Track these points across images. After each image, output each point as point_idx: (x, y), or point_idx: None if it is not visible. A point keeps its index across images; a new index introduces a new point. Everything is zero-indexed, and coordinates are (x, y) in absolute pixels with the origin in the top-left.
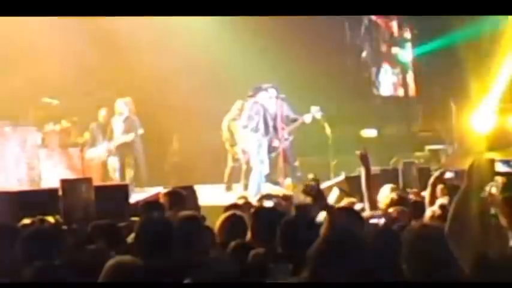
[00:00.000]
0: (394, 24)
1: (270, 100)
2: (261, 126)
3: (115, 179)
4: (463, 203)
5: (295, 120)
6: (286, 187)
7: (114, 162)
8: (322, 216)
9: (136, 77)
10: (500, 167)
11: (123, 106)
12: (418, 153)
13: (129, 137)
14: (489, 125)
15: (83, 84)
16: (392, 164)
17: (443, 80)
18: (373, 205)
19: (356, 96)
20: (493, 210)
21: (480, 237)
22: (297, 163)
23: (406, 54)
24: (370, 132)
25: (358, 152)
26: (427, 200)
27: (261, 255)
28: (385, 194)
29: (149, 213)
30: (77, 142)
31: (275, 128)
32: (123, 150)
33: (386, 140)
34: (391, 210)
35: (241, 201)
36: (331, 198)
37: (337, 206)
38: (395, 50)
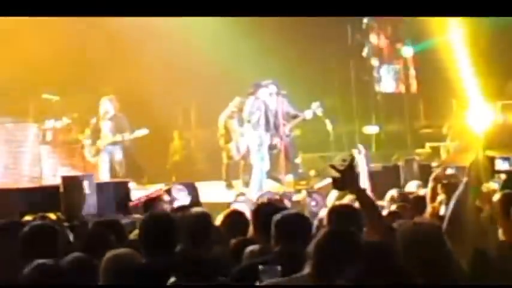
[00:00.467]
0: (396, 21)
1: (270, 97)
2: (262, 122)
3: (104, 177)
4: (463, 201)
5: (295, 116)
6: (287, 184)
7: (103, 161)
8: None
9: (137, 74)
10: (501, 164)
11: (108, 104)
12: (419, 150)
13: (119, 138)
14: (490, 122)
15: (83, 81)
16: (393, 161)
17: (444, 76)
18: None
19: (357, 93)
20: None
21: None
22: (298, 160)
23: (407, 50)
24: (371, 129)
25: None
26: (428, 197)
27: (256, 252)
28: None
29: (152, 210)
30: (78, 139)
31: (276, 125)
32: (112, 148)
33: (387, 136)
34: (393, 207)
35: (242, 198)
36: (333, 194)
37: (338, 203)
38: (396, 46)
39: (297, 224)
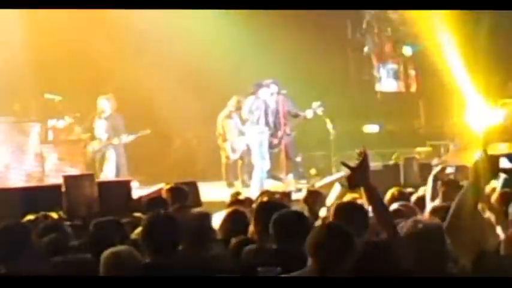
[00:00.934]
0: (396, 19)
1: (271, 96)
2: (262, 121)
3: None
4: (465, 200)
5: (296, 115)
6: (288, 183)
7: (99, 160)
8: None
9: (139, 73)
10: (506, 163)
11: (105, 103)
12: (419, 149)
13: (115, 141)
14: (490, 120)
15: (85, 81)
16: (393, 160)
17: (444, 75)
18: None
19: (358, 92)
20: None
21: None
22: (299, 159)
23: (407, 49)
24: (371, 128)
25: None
26: (428, 196)
27: (253, 252)
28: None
29: (154, 210)
30: (80, 138)
31: (276, 124)
32: (106, 149)
33: (387, 135)
34: (395, 205)
35: (241, 198)
36: (333, 193)
37: (340, 201)
38: (396, 45)
39: (294, 223)
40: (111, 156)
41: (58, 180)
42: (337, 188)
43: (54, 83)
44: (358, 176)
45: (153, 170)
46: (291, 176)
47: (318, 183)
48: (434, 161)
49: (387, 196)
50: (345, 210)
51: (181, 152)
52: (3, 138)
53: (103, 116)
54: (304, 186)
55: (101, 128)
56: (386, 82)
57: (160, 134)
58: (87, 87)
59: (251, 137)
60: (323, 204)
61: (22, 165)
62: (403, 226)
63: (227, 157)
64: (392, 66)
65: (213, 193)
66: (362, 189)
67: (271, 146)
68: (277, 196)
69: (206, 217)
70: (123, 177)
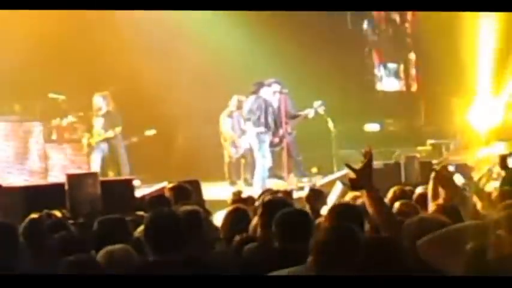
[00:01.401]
0: (397, 19)
1: (273, 95)
2: (263, 120)
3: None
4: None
5: (298, 115)
6: (290, 181)
7: (95, 158)
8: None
9: (142, 72)
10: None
11: (101, 101)
12: (420, 148)
13: (109, 134)
14: (491, 118)
15: (88, 80)
16: (394, 158)
17: (445, 74)
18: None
19: (359, 91)
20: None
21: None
22: (300, 157)
23: (408, 49)
24: (372, 127)
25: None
26: (429, 195)
27: (254, 249)
28: None
29: (157, 208)
30: (83, 137)
31: (277, 123)
32: (104, 146)
33: (388, 134)
34: (397, 204)
35: (243, 196)
36: (335, 191)
37: (340, 200)
38: (398, 44)
39: (297, 222)
40: (111, 154)
41: (61, 178)
42: (338, 187)
43: (57, 82)
44: (361, 179)
45: (156, 169)
46: (292, 174)
47: (320, 182)
48: (436, 160)
49: (389, 195)
50: (340, 210)
51: (184, 151)
52: (7, 137)
53: (100, 114)
54: (305, 184)
55: (98, 125)
56: (388, 81)
57: (163, 133)
58: (91, 87)
59: (252, 136)
60: (325, 202)
61: (26, 164)
62: (408, 223)
63: (230, 156)
64: (393, 65)
65: (216, 192)
66: (364, 191)
67: (272, 145)
68: (279, 195)
69: (194, 215)
70: (125, 175)
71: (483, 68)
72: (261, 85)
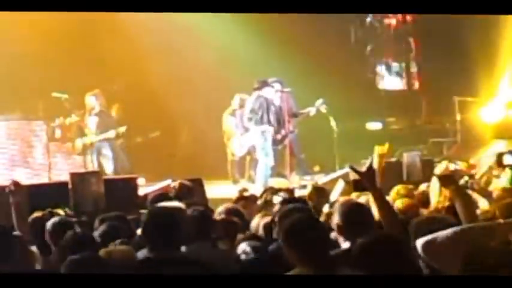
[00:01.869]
0: (399, 17)
1: (275, 94)
2: (265, 119)
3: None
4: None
5: (297, 115)
6: (292, 179)
7: (91, 158)
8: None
9: (145, 71)
10: (509, 159)
11: (93, 101)
12: (421, 146)
13: (110, 134)
14: (493, 117)
15: (92, 78)
16: (396, 156)
17: (446, 73)
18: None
19: (361, 90)
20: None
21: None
22: (302, 155)
23: (409, 47)
24: (374, 125)
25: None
26: (432, 193)
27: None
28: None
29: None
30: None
31: (280, 121)
32: (100, 145)
33: (390, 132)
34: (399, 202)
35: (246, 194)
36: (337, 189)
37: (342, 198)
38: (399, 43)
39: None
40: (108, 154)
41: (65, 177)
42: (340, 185)
43: (61, 81)
44: (366, 181)
45: (160, 167)
46: (295, 172)
47: (322, 180)
48: (437, 158)
49: (392, 193)
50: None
51: (188, 149)
52: (11, 136)
53: (93, 113)
54: (308, 182)
55: (91, 125)
56: (389, 80)
57: (166, 132)
58: (94, 86)
59: (255, 135)
60: (327, 200)
61: (29, 163)
62: (415, 222)
63: (232, 154)
64: (395, 64)
65: (219, 190)
66: (370, 193)
67: (275, 143)
68: (281, 193)
69: (173, 214)
70: (123, 174)
71: (484, 66)
72: (264, 83)
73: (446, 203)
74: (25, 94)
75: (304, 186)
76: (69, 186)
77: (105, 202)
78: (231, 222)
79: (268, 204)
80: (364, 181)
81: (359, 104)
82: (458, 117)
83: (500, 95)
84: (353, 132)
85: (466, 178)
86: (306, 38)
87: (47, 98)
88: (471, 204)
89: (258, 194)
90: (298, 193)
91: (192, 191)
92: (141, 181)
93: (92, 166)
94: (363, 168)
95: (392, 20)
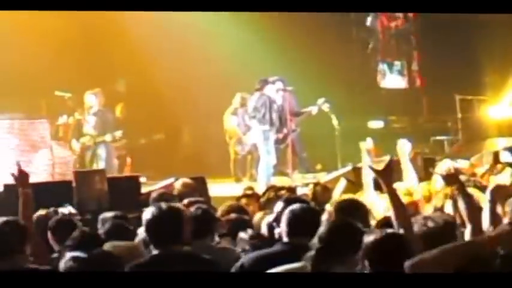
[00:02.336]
0: (400, 16)
1: (277, 93)
2: (267, 117)
3: None
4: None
5: (298, 114)
6: (294, 178)
7: (88, 157)
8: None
9: (148, 70)
10: (506, 156)
11: (92, 99)
12: (423, 144)
13: (107, 138)
14: (494, 114)
15: (95, 77)
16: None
17: (448, 71)
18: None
19: (362, 88)
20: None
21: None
22: (305, 154)
23: (411, 46)
24: (376, 124)
25: None
26: (432, 192)
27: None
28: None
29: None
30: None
31: (282, 120)
32: (97, 146)
33: (392, 131)
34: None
35: (249, 192)
36: (339, 188)
37: (343, 197)
38: (400, 42)
39: (305, 219)
40: (101, 154)
41: (68, 175)
42: (342, 183)
43: (64, 80)
44: (384, 179)
45: (163, 166)
46: (297, 171)
47: (324, 178)
48: (438, 156)
49: None
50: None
51: (190, 148)
52: (14, 135)
53: (91, 112)
54: (310, 181)
55: (89, 124)
56: (391, 78)
57: (169, 131)
58: (97, 84)
59: (257, 133)
60: (329, 198)
61: (32, 162)
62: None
63: (235, 153)
64: (396, 62)
65: (222, 189)
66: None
67: (277, 142)
68: (283, 191)
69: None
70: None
71: (486, 64)
72: (265, 82)
73: (446, 201)
74: (28, 92)
75: (306, 185)
76: (73, 184)
77: (108, 201)
78: (233, 220)
79: (270, 202)
80: (381, 179)
81: (361, 102)
82: (459, 115)
83: (502, 92)
84: (355, 131)
85: (467, 176)
86: (308, 37)
87: (50, 97)
88: (474, 203)
89: (260, 193)
90: (300, 191)
91: (195, 189)
92: (144, 179)
93: (90, 166)
94: (380, 167)
95: (394, 19)
